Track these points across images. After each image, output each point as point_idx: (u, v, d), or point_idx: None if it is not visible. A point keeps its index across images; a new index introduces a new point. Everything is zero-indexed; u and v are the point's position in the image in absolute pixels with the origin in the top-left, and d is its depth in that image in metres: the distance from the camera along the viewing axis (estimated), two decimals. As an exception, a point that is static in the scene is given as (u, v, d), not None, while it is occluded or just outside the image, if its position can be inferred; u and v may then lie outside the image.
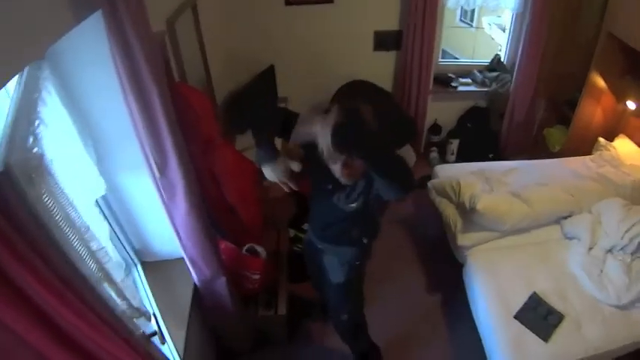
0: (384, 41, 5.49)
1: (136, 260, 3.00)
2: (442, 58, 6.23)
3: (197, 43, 3.81)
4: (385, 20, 5.37)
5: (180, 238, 2.59)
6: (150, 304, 2.79)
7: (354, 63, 5.24)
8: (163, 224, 2.56)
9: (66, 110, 2.12)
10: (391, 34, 5.44)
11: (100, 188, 2.40)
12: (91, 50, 2.04)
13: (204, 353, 3.52)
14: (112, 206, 2.70)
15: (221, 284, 2.95)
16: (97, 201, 2.48)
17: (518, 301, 3.62)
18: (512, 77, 5.76)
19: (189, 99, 2.69)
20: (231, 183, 3.15)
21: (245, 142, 4.22)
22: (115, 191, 2.63)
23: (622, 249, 3.90)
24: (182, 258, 2.76)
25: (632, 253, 3.86)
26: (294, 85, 5.49)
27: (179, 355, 2.65)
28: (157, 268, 3.07)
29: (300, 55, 5.39)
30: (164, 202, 2.40)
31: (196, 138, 2.76)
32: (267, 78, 5.10)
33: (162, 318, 2.77)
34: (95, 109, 2.27)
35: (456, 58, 7.41)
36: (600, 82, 5.01)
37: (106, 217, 2.61)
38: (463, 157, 6.05)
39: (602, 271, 3.79)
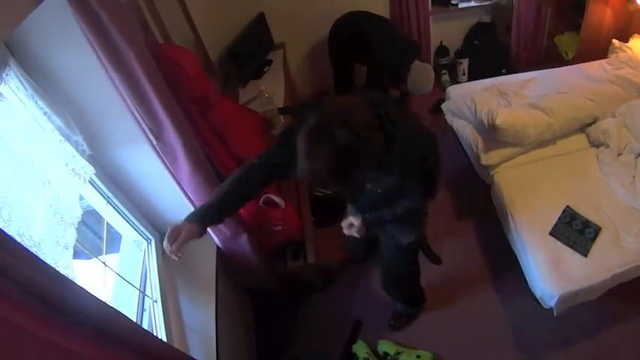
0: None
1: (149, 235, 2.91)
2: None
3: (176, 1, 3.68)
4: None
5: (191, 200, 2.53)
6: (152, 286, 2.71)
7: (345, 2, 4.98)
8: (174, 191, 2.50)
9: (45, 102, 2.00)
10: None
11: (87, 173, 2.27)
12: (60, 31, 1.94)
13: (240, 316, 3.50)
14: (120, 185, 2.62)
15: (243, 242, 2.88)
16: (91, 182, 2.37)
17: (552, 216, 3.50)
18: None
19: (176, 60, 2.59)
20: (236, 136, 3.06)
21: (248, 94, 4.12)
22: (117, 169, 2.54)
23: (653, 152, 3.74)
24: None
25: (663, 156, 3.70)
26: (287, 29, 5.30)
27: (214, 319, 2.62)
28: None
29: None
30: (168, 168, 2.33)
31: (191, 98, 2.67)
32: (259, 26, 4.95)
33: (189, 287, 2.76)
34: (79, 91, 2.16)
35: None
36: None
37: (107, 198, 2.52)
38: (475, 75, 5.79)
39: (634, 177, 3.65)
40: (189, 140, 2.28)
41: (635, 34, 4.77)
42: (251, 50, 4.60)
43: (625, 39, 4.83)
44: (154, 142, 2.17)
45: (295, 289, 3.77)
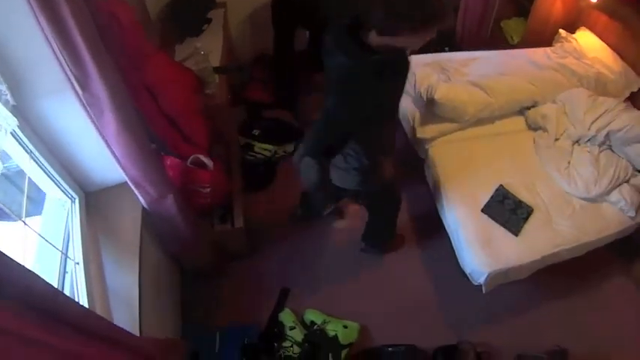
0: None
1: (74, 194, 2.79)
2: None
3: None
4: None
5: (117, 159, 2.40)
6: (74, 248, 2.60)
7: None
8: (101, 149, 2.36)
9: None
10: None
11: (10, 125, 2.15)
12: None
13: (165, 280, 3.45)
14: (45, 139, 2.50)
15: (169, 203, 2.78)
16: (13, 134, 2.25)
17: (485, 194, 3.56)
18: None
19: (110, 9, 2.45)
20: (168, 94, 2.96)
21: (184, 52, 3.99)
22: (42, 122, 2.42)
23: (589, 140, 3.85)
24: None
25: (599, 145, 3.81)
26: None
27: (137, 284, 2.56)
28: (104, 198, 2.91)
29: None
30: (93, 122, 2.20)
31: (123, 50, 2.55)
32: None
33: (113, 250, 2.68)
34: (3, 35, 2.04)
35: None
36: None
37: (29, 152, 2.40)
38: (417, 51, 5.74)
39: (569, 162, 3.73)
40: (118, 93, 2.16)
41: (583, 27, 4.82)
42: (191, 7, 4.43)
43: (572, 30, 4.89)
44: (80, 92, 2.04)
45: (222, 254, 3.70)
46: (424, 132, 3.97)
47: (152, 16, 4.10)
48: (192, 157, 3.21)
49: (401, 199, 3.62)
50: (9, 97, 2.11)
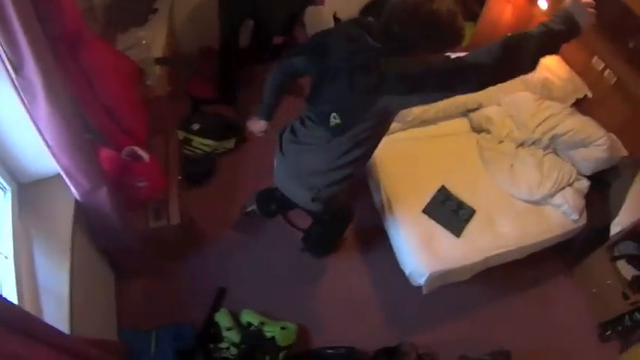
0: None
1: (5, 185, 2.66)
2: None
3: None
4: None
5: (49, 147, 2.30)
6: (3, 240, 2.48)
7: None
8: (34, 137, 2.25)
9: None
10: None
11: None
12: None
13: (99, 277, 3.35)
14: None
15: (102, 196, 2.67)
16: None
17: (427, 195, 3.56)
18: None
19: None
20: (106, 83, 2.86)
21: (127, 41, 3.87)
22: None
23: (533, 143, 3.88)
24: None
25: (543, 149, 3.85)
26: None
27: (68, 281, 2.47)
28: (37, 190, 2.78)
29: None
30: (25, 107, 2.09)
31: (61, 33, 2.44)
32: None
33: (45, 244, 2.58)
34: None
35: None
36: None
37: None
38: None
39: (512, 165, 3.76)
40: (52, 77, 2.06)
41: None
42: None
43: None
44: (13, 75, 1.94)
45: (158, 252, 3.61)
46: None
47: (97, 3, 3.92)
48: (127, 148, 3.09)
49: (353, 216, 3.59)
50: None
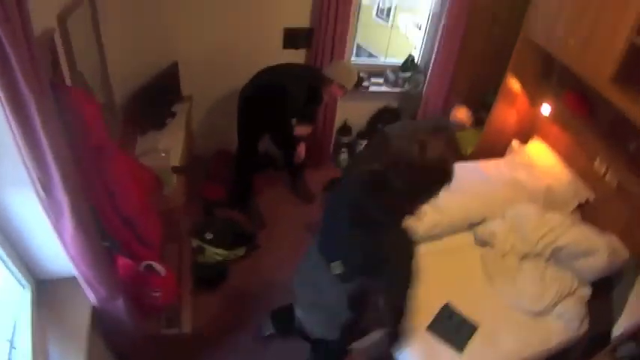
0: (293, 39, 5.26)
1: (25, 282, 2.70)
2: (356, 54, 6.08)
3: (94, 38, 3.56)
4: (296, 16, 5.15)
5: (72, 259, 2.38)
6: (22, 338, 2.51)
7: (262, 61, 4.87)
8: (55, 239, 2.30)
9: None
10: (302, 32, 5.23)
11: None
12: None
13: None
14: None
15: (120, 305, 2.75)
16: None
17: (431, 312, 3.55)
18: (425, 78, 5.75)
19: (78, 106, 2.44)
20: (125, 194, 2.91)
21: (146, 144, 3.98)
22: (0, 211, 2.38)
23: (536, 256, 3.91)
24: (80, 276, 2.54)
25: (546, 260, 3.89)
26: (198, 84, 5.25)
27: None
28: (55, 287, 2.82)
29: (205, 51, 5.11)
30: (52, 223, 2.18)
31: (86, 148, 2.53)
32: (170, 76, 4.86)
33: (60, 343, 2.60)
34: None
35: (372, 55, 7.24)
36: (515, 85, 5.03)
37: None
38: None
39: (515, 279, 3.79)
40: (77, 197, 2.15)
41: (536, 137, 5.04)
42: (157, 100, 4.50)
43: (525, 140, 5.11)
44: (42, 194, 2.03)
45: (168, 356, 3.60)
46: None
47: (117, 103, 4.09)
48: (145, 263, 3.16)
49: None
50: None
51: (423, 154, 2.13)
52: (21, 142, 1.84)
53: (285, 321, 3.71)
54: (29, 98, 1.75)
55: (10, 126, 1.79)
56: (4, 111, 1.74)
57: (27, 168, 1.95)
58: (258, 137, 4.81)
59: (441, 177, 2.27)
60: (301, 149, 4.92)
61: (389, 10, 8.51)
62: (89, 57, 3.43)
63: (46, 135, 1.87)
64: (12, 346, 2.39)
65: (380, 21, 8.84)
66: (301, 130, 5.04)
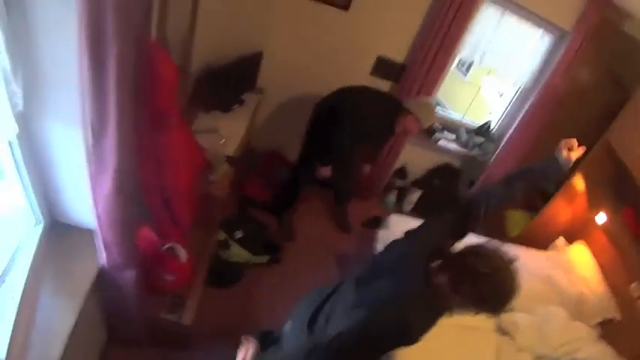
0: (383, 69, 5.18)
1: (40, 216, 2.57)
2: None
3: (191, 2, 3.48)
4: (393, 48, 5.09)
5: (98, 217, 2.25)
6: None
7: (346, 79, 4.71)
8: (86, 190, 2.18)
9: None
10: (394, 65, 5.15)
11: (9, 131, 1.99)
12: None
13: (93, 337, 3.22)
14: (32, 152, 2.29)
15: (129, 276, 2.64)
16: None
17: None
18: (496, 148, 5.66)
19: (156, 65, 2.36)
20: (174, 170, 2.84)
21: (206, 123, 3.88)
22: (38, 138, 2.23)
23: (552, 360, 3.77)
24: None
25: (559, 367, 3.74)
26: (276, 80, 5.17)
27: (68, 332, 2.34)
28: (68, 234, 2.68)
29: (293, 51, 5.05)
30: (90, 174, 2.05)
31: (151, 109, 2.44)
32: (251, 63, 4.79)
33: (56, 291, 2.46)
34: (44, 44, 1.90)
35: (445, 108, 7.11)
36: (580, 185, 4.99)
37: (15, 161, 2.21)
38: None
39: None
40: (126, 158, 2.03)
41: (581, 240, 4.94)
42: (232, 82, 4.39)
43: (570, 239, 5.04)
44: (91, 141, 1.90)
45: (158, 340, 3.46)
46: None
47: (191, 73, 4.00)
48: (169, 244, 3.07)
49: None
50: (20, 101, 1.95)
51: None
52: (88, 81, 1.72)
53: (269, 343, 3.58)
54: (112, 38, 1.65)
55: (82, 60, 1.67)
56: (82, 43, 1.63)
57: (84, 109, 1.83)
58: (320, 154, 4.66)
59: (495, 307, 2.14)
60: (366, 169, 4.97)
61: (470, 65, 8.36)
62: (181, 18, 3.38)
63: (117, 82, 1.76)
64: (2, 280, 2.26)
65: (458, 73, 8.67)
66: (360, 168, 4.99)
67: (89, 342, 3.18)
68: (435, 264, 2.18)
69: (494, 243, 2.11)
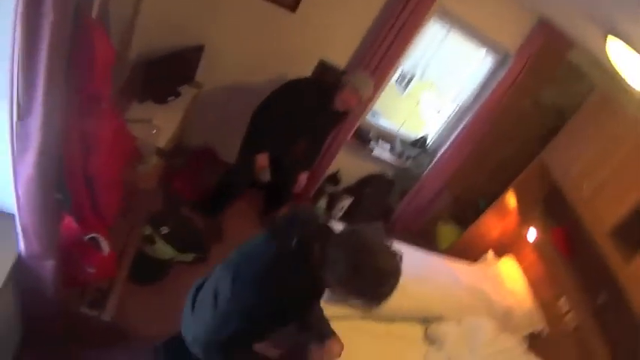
0: (324, 73, 5.14)
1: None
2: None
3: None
4: (336, 54, 5.10)
5: (17, 199, 2.13)
6: None
7: (286, 80, 4.61)
8: (6, 174, 2.07)
9: None
10: (334, 70, 5.13)
11: None
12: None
13: (8, 335, 3.04)
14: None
15: (48, 267, 2.51)
16: None
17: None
18: (430, 162, 5.77)
19: (95, 45, 2.23)
20: (100, 154, 2.70)
21: (139, 113, 3.76)
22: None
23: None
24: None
25: (486, 378, 3.78)
26: (215, 76, 5.08)
27: None
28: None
29: (236, 48, 4.97)
30: (12, 154, 1.94)
31: (82, 91, 2.34)
32: (192, 56, 4.72)
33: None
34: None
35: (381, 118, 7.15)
36: (512, 202, 5.14)
37: None
38: (350, 217, 5.85)
39: None
40: (51, 141, 1.94)
41: (511, 254, 5.07)
42: (169, 73, 4.33)
43: (501, 253, 5.16)
44: (15, 118, 1.80)
45: (76, 335, 3.31)
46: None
47: (129, 59, 3.91)
48: (92, 235, 2.93)
49: None
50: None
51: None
52: (18, 54, 1.63)
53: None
54: (48, 11, 1.56)
55: (15, 32, 1.59)
56: (18, 7, 1.54)
57: (11, 84, 1.73)
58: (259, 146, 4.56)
59: (372, 292, 2.19)
60: (303, 178, 4.81)
61: (410, 81, 8.49)
62: (125, 2, 3.32)
63: (49, 58, 1.67)
64: None
65: (398, 87, 8.77)
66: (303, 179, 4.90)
67: (2, 341, 3.01)
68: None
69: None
